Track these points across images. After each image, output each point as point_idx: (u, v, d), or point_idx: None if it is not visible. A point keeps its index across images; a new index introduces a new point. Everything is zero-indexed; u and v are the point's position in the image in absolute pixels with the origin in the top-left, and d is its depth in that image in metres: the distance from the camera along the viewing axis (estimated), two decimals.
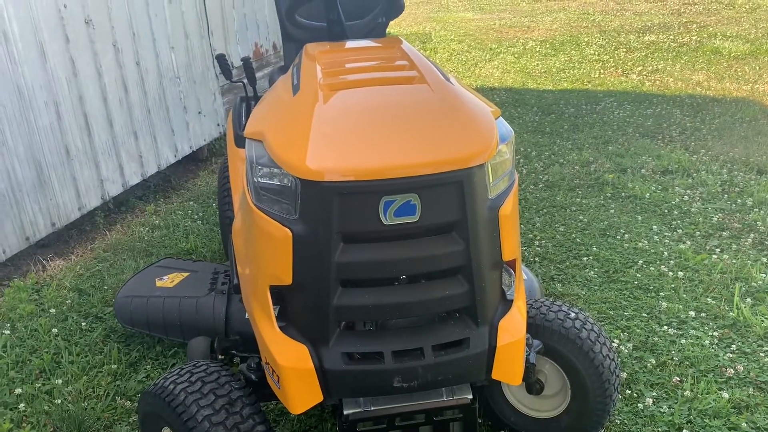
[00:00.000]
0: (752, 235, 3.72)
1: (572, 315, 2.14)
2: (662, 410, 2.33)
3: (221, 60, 3.27)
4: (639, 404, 2.36)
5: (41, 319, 2.93)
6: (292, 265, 1.59)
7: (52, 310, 3.02)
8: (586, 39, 9.89)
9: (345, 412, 1.70)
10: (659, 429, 2.25)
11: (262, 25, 6.29)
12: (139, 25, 4.30)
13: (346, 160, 1.51)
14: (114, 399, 2.46)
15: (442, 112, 1.66)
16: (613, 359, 2.09)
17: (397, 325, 1.70)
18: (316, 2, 2.50)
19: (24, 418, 2.37)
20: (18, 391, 2.48)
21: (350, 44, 2.27)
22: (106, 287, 3.24)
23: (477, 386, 1.78)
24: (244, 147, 3.09)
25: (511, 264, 1.75)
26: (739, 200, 4.16)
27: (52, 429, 2.31)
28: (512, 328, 1.74)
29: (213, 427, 1.72)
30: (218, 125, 5.40)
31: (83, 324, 2.92)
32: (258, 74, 6.08)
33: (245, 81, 3.40)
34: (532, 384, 2.07)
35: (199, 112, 5.10)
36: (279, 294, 1.70)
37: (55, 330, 2.85)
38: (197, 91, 5.06)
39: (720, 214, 3.98)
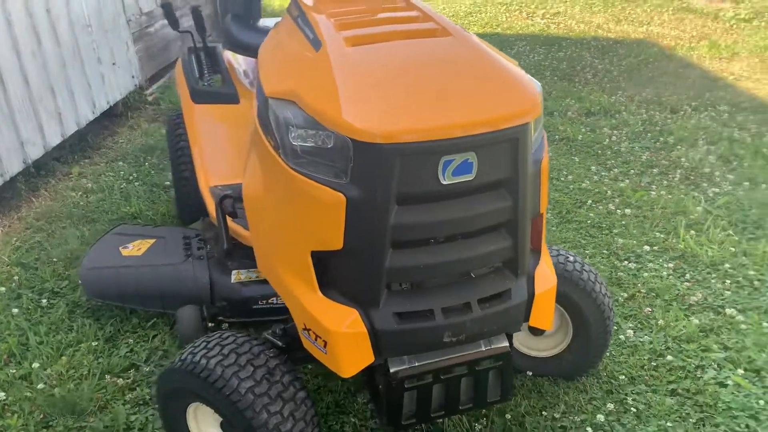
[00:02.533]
0: (679, 171, 4.01)
1: (571, 259, 2.24)
2: (642, 340, 2.52)
3: (167, 8, 3.04)
4: (621, 336, 2.54)
5: None
6: (344, 229, 1.55)
7: (2, 288, 2.77)
8: None
9: (392, 370, 1.71)
10: (644, 357, 2.44)
11: None
12: None
13: (403, 120, 1.47)
14: (102, 377, 2.32)
15: (482, 66, 1.64)
16: (609, 297, 2.22)
17: (441, 282, 1.71)
18: None
19: (6, 407, 2.18)
20: None
21: None
22: (55, 259, 3.00)
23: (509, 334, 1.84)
24: (203, 102, 2.94)
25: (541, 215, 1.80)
26: (661, 138, 4.46)
27: (42, 416, 2.15)
28: (545, 277, 1.80)
29: (258, 399, 1.68)
30: (133, 77, 5.03)
31: (43, 301, 2.70)
32: (164, 21, 5.70)
33: (193, 31, 3.19)
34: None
35: (113, 63, 4.72)
36: (320, 259, 1.65)
37: (15, 310, 2.61)
38: (110, 41, 4.67)
39: (647, 152, 4.26)
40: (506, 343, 1.80)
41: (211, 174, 2.85)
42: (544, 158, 1.70)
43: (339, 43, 1.69)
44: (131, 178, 3.89)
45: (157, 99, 5.23)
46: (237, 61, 3.20)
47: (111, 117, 4.95)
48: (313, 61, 1.68)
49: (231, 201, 2.34)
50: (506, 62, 1.70)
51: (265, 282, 2.50)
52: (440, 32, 1.79)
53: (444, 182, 1.50)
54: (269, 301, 2.48)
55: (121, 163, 4.14)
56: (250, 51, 2.91)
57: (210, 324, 2.47)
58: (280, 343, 1.91)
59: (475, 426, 2.10)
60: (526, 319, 1.78)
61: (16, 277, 2.86)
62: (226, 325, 2.53)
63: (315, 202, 1.56)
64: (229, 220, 2.36)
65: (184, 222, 3.17)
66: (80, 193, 3.72)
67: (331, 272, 1.66)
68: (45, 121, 3.85)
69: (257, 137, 1.83)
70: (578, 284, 2.16)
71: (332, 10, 1.94)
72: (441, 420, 2.10)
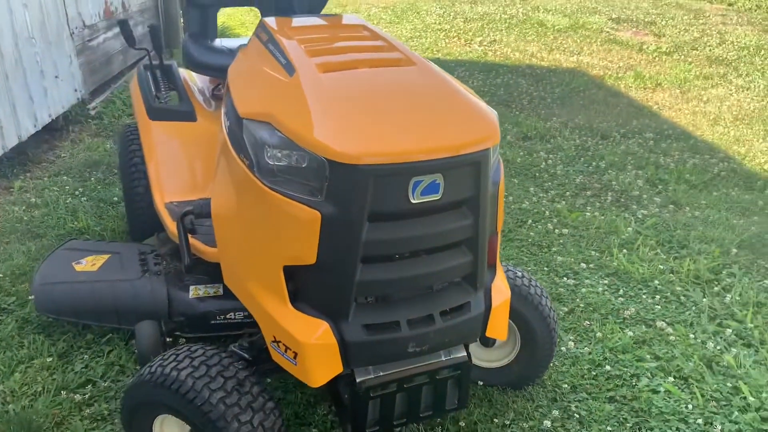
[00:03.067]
0: (610, 193, 4.28)
1: (519, 274, 2.39)
2: (582, 351, 2.70)
3: (124, 25, 3.06)
4: (563, 347, 2.70)
5: None
6: (317, 245, 1.63)
7: None
8: (425, 7, 10.29)
9: (359, 380, 1.79)
10: (584, 367, 2.61)
11: None
12: None
13: (378, 143, 1.58)
14: (58, 393, 2.30)
15: (446, 95, 1.77)
16: (554, 311, 2.38)
17: (404, 295, 1.81)
18: None
19: None
20: None
21: (313, 21, 2.27)
22: (1, 275, 2.94)
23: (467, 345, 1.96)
24: (159, 120, 2.97)
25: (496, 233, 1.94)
26: (593, 163, 4.74)
27: None
28: (500, 290, 1.93)
29: (228, 409, 1.73)
30: (75, 90, 4.95)
31: None
32: (108, 33, 5.65)
33: (149, 48, 3.22)
34: (487, 338, 2.30)
35: (56, 77, 4.64)
36: (291, 273, 1.73)
37: None
38: (53, 53, 4.59)
39: (581, 176, 4.52)
40: (464, 353, 1.92)
41: (167, 190, 2.87)
42: (501, 180, 1.84)
43: (312, 70, 1.79)
44: (77, 193, 3.84)
45: (99, 113, 5.16)
46: (192, 79, 3.24)
47: (51, 131, 4.85)
48: (287, 85, 1.77)
49: (191, 217, 2.38)
50: (467, 92, 1.84)
51: (221, 297, 2.57)
52: (405, 62, 1.91)
53: (413, 201, 1.61)
54: (227, 316, 2.52)
55: (65, 177, 4.07)
56: (207, 70, 2.98)
57: (168, 339, 2.48)
58: (246, 356, 1.96)
59: None
60: (484, 329, 1.90)
61: None
62: (183, 340, 2.55)
63: (290, 218, 1.64)
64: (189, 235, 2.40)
65: (136, 238, 3.16)
66: (23, 207, 3.65)
67: (302, 286, 1.74)
68: None
69: (228, 156, 1.90)
70: (526, 298, 2.31)
71: (301, 36, 2.03)
72: (401, 428, 2.19)
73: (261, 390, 1.83)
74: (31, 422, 2.15)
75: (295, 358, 1.74)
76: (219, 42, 3.13)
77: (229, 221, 1.92)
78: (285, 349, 1.77)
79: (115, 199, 3.74)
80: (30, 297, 2.76)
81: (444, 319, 1.79)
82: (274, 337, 1.79)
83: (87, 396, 2.30)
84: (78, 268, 2.69)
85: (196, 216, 2.35)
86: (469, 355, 1.93)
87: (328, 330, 1.70)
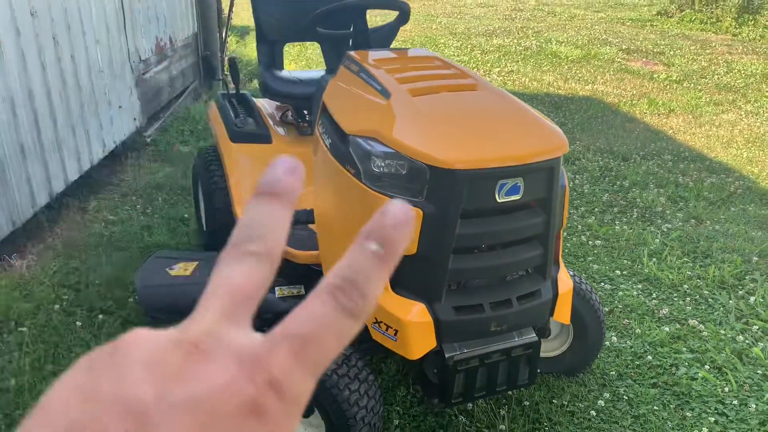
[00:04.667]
0: (635, 209, 4.60)
1: (571, 273, 2.70)
2: (624, 345, 3.00)
3: (208, 59, 3.44)
4: (606, 342, 3.00)
5: (46, 316, 2.94)
6: (418, 238, 1.97)
7: (56, 306, 3.03)
8: (442, 41, 10.76)
9: (447, 355, 2.11)
10: (627, 358, 2.91)
11: (160, 19, 6.23)
12: (71, 17, 4.22)
13: (470, 152, 1.92)
14: None
15: (520, 113, 2.13)
16: (600, 305, 2.70)
17: (487, 283, 2.14)
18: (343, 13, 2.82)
19: None
20: None
21: (389, 54, 2.63)
22: (97, 281, 3.27)
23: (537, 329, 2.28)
24: (239, 142, 3.33)
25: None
26: (617, 182, 5.08)
27: None
28: (564, 281, 2.26)
29: (341, 379, 2.05)
30: (134, 119, 5.35)
31: (99, 317, 2.98)
32: (158, 67, 6.07)
33: (229, 79, 3.59)
34: (544, 329, 2.61)
35: (120, 107, 5.03)
36: None
37: (79, 323, 2.88)
38: (117, 85, 4.99)
39: (607, 194, 4.85)
40: (534, 335, 2.24)
41: None
42: (566, 185, 2.18)
43: (404, 94, 2.14)
44: (148, 211, 4.19)
45: (154, 141, 5.54)
46: (264, 106, 3.61)
47: (111, 157, 5.22)
48: (386, 107, 2.12)
49: None
50: (534, 111, 2.19)
51: (303, 297, 2.88)
52: (479, 86, 2.27)
53: (499, 200, 1.95)
54: None
55: (133, 198, 4.43)
56: (284, 98, 3.35)
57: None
58: None
59: (499, 411, 2.51)
60: (552, 314, 2.22)
61: (65, 297, 3.12)
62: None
63: None
64: None
65: (212, 249, 3.48)
66: (102, 224, 4.00)
67: (401, 274, 2.06)
68: (66, 157, 4.13)
69: (332, 168, 2.24)
70: (578, 293, 2.62)
71: (388, 66, 2.39)
72: (478, 402, 2.49)
73: (364, 364, 2.15)
74: None
75: (395, 335, 2.06)
76: (288, 73, 3.51)
77: (334, 222, 2.26)
78: (386, 328, 2.09)
79: (186, 216, 4.09)
80: (129, 300, 3.09)
81: (520, 303, 2.11)
82: (376, 319, 2.11)
83: None
84: (173, 273, 3.02)
85: None
86: (538, 336, 2.24)
87: (425, 310, 2.03)
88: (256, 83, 7.31)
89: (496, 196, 1.95)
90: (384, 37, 2.94)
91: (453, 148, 1.93)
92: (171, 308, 2.88)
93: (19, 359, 2.65)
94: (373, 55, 2.56)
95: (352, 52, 2.59)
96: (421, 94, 2.16)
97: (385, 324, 2.09)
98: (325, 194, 2.33)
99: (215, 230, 3.42)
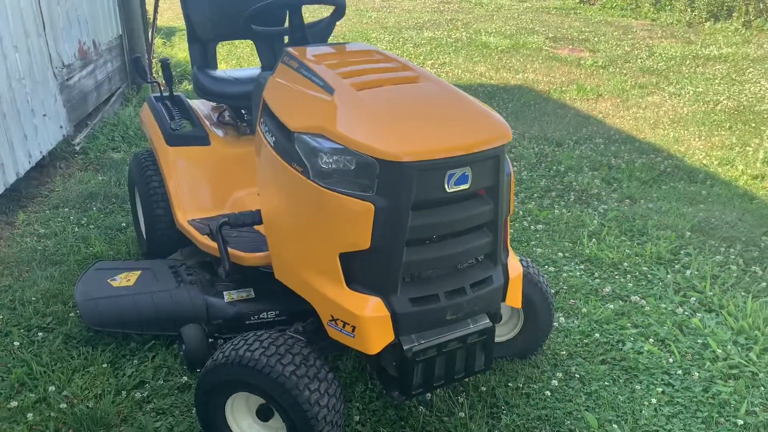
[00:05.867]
0: (572, 193, 4.73)
1: (518, 258, 2.76)
2: (572, 324, 3.08)
3: (138, 62, 3.33)
4: (555, 323, 3.07)
5: None
6: (371, 232, 1.96)
7: None
8: (374, 35, 10.77)
9: (406, 347, 2.11)
10: (576, 337, 2.99)
11: (82, 22, 5.99)
12: None
13: (418, 144, 1.92)
14: (118, 393, 2.53)
15: (463, 103, 2.14)
16: (548, 287, 2.76)
17: (440, 272, 2.15)
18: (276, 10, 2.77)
19: (33, 427, 2.34)
20: (13, 404, 2.42)
21: (328, 49, 2.60)
22: (33, 298, 3.12)
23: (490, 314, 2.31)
24: (176, 145, 3.24)
25: None
26: (553, 167, 5.20)
27: (72, 431, 2.33)
28: (514, 266, 2.29)
29: (300, 379, 2.02)
30: (61, 127, 5.13)
31: (39, 334, 2.84)
32: (83, 72, 5.85)
33: (160, 82, 3.49)
34: (496, 314, 2.65)
35: (44, 115, 4.82)
36: (346, 259, 2.04)
37: (16, 343, 2.75)
38: (40, 93, 4.78)
39: (544, 180, 4.96)
40: (488, 321, 2.26)
41: (189, 209, 3.14)
42: (510, 172, 2.21)
43: (348, 89, 2.13)
44: (83, 222, 4.03)
45: (84, 148, 5.33)
46: (199, 107, 3.52)
47: (38, 167, 5.00)
48: (330, 102, 2.10)
49: (227, 228, 2.68)
50: (476, 100, 2.22)
51: (253, 300, 2.85)
52: (421, 78, 2.27)
53: (449, 190, 1.96)
54: (260, 316, 2.80)
55: (65, 209, 4.25)
56: (219, 98, 3.28)
57: (210, 340, 2.74)
58: (302, 339, 2.25)
59: (458, 399, 2.53)
60: (504, 299, 2.26)
61: (0, 317, 2.97)
62: (222, 341, 2.81)
63: (346, 211, 1.96)
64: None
65: (154, 256, 3.38)
66: (34, 238, 3.82)
67: (356, 269, 2.05)
68: None
69: (277, 166, 2.21)
70: (526, 277, 2.67)
71: (328, 62, 2.37)
72: (436, 391, 2.50)
73: (322, 363, 2.13)
74: (99, 419, 2.37)
75: (353, 331, 2.05)
76: (222, 72, 3.43)
77: (284, 222, 2.22)
78: (343, 325, 2.07)
79: (124, 224, 3.95)
80: (70, 315, 2.97)
81: (473, 291, 2.13)
82: (332, 316, 2.09)
83: (146, 394, 2.53)
84: (114, 284, 2.92)
85: (231, 227, 2.65)
86: (491, 322, 2.27)
87: (381, 304, 2.02)
88: (186, 85, 7.15)
89: (446, 186, 1.96)
90: (321, 32, 2.90)
91: (401, 140, 1.92)
92: (115, 321, 2.79)
93: None
94: (312, 50, 2.53)
95: (290, 49, 2.55)
96: (364, 88, 2.15)
97: (341, 321, 2.07)
98: (272, 194, 2.29)
99: (156, 238, 3.32)
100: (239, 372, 2.06)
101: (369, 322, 2.01)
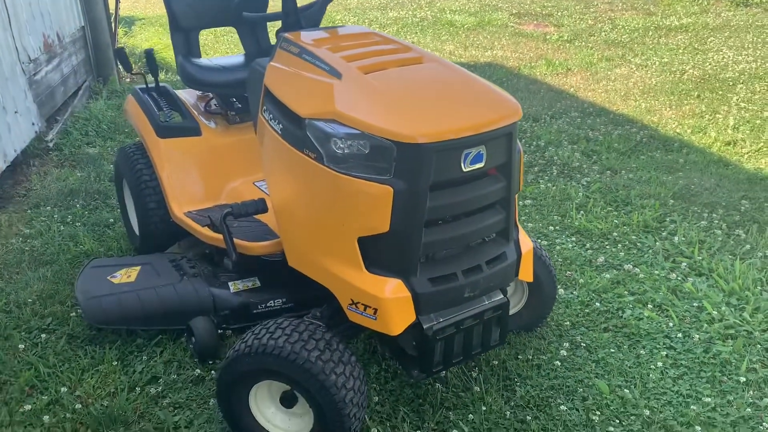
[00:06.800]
0: (555, 167, 4.80)
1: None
2: (571, 295, 3.15)
3: (121, 53, 3.26)
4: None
5: None
6: (390, 215, 1.97)
7: None
8: (338, 17, 10.67)
9: (426, 326, 2.14)
10: (577, 307, 3.06)
11: (45, 14, 5.80)
12: None
13: (434, 124, 1.94)
14: (132, 390, 2.50)
15: (471, 82, 2.16)
16: (550, 260, 2.81)
17: (456, 251, 2.17)
18: None
19: (49, 429, 2.31)
20: (27, 407, 2.38)
21: (323, 33, 2.57)
22: (29, 300, 3.06)
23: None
24: (167, 137, 3.19)
25: None
26: (534, 142, 5.27)
27: (90, 431, 2.30)
28: (524, 242, 2.33)
29: (326, 364, 2.03)
30: (33, 124, 4.99)
31: (42, 336, 2.79)
32: (48, 66, 5.68)
33: (145, 72, 3.42)
34: (505, 290, 2.69)
35: (15, 112, 4.68)
36: (364, 242, 2.05)
37: (22, 346, 2.69)
38: (10, 89, 4.63)
39: (526, 155, 5.03)
40: (503, 296, 2.31)
41: (184, 201, 3.10)
42: (520, 149, 2.24)
43: (356, 72, 2.12)
44: (68, 220, 3.94)
45: (57, 145, 5.20)
46: (186, 97, 3.46)
47: (11, 167, 4.86)
48: (341, 86, 2.09)
49: (230, 218, 2.66)
50: (484, 80, 2.23)
51: (259, 289, 2.84)
52: (425, 59, 2.28)
53: (465, 169, 1.98)
54: (267, 305, 2.80)
55: (47, 208, 4.15)
56: (207, 87, 3.23)
57: (219, 331, 2.73)
58: (321, 324, 2.26)
59: (471, 374, 2.58)
60: (516, 274, 2.30)
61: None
62: (230, 332, 2.80)
63: (364, 195, 1.97)
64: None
65: (147, 251, 3.33)
66: (19, 239, 3.73)
67: (374, 252, 2.06)
68: None
69: (286, 153, 2.20)
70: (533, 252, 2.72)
71: (330, 45, 2.35)
72: (452, 369, 2.54)
73: (344, 347, 2.14)
74: (116, 417, 2.35)
75: (375, 313, 2.07)
76: (208, 61, 3.37)
77: (297, 210, 2.21)
78: (364, 308, 2.08)
79: (111, 220, 3.88)
80: (71, 314, 2.92)
81: (489, 268, 2.17)
82: (352, 300, 2.11)
83: (160, 389, 2.51)
84: (115, 281, 2.88)
85: (235, 217, 2.63)
86: (505, 297, 2.32)
87: (402, 285, 2.04)
88: (166, 75, 6.99)
89: (462, 165, 1.98)
90: (313, 16, 2.87)
91: (417, 122, 1.93)
92: (119, 318, 2.75)
93: None
94: (310, 35, 2.50)
95: (286, 34, 2.52)
96: (371, 71, 2.14)
97: (362, 304, 2.08)
98: (282, 182, 2.28)
99: (150, 231, 3.27)
100: (264, 360, 2.06)
101: (391, 303, 2.03)
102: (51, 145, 5.18)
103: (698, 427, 2.33)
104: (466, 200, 2.04)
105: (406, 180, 1.93)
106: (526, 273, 2.33)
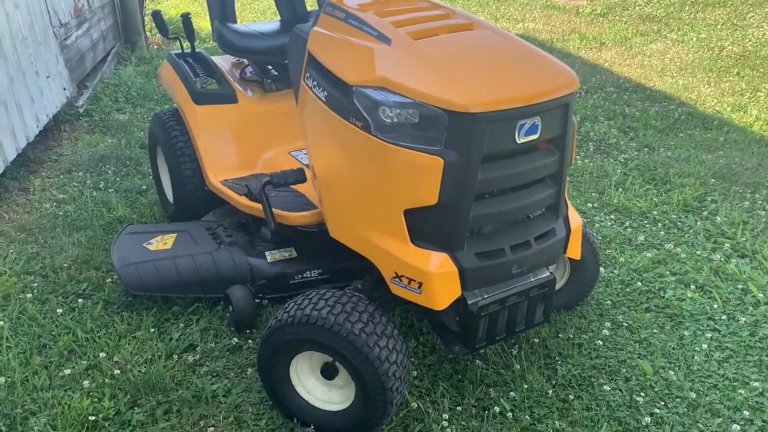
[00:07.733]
0: (591, 143, 4.70)
1: None
2: (611, 274, 3.09)
3: (158, 16, 3.21)
4: None
5: (18, 307, 2.73)
6: (439, 187, 1.91)
7: (29, 295, 2.81)
8: None
9: (471, 302, 2.09)
10: (617, 287, 2.99)
11: None
12: None
13: (489, 93, 1.86)
14: (169, 357, 2.50)
15: (526, 50, 2.08)
16: (593, 236, 2.74)
17: (505, 226, 2.11)
18: None
19: (90, 393, 2.31)
20: (66, 371, 2.38)
21: None
22: (65, 265, 3.06)
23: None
24: (204, 104, 3.14)
25: None
26: None
27: (128, 396, 2.31)
28: (574, 218, 2.27)
29: (369, 337, 2.00)
30: (64, 89, 4.97)
31: (79, 301, 2.79)
32: (79, 31, 5.65)
33: (181, 37, 3.37)
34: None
35: (48, 77, 4.66)
36: (410, 215, 1.99)
37: (60, 310, 2.69)
38: (43, 54, 4.61)
39: None
40: (549, 274, 2.25)
41: (221, 169, 3.07)
42: (575, 122, 2.16)
43: (405, 38, 2.05)
44: (100, 186, 3.94)
45: (87, 111, 5.18)
46: (222, 63, 3.41)
47: (43, 132, 4.85)
48: (391, 53, 2.02)
49: (270, 187, 2.62)
50: (539, 49, 2.15)
51: (296, 259, 2.81)
52: (475, 25, 2.20)
53: (519, 141, 1.91)
54: (303, 275, 2.77)
55: (79, 173, 4.14)
56: (246, 53, 3.17)
57: (256, 300, 2.71)
58: (364, 296, 2.22)
59: (511, 351, 2.53)
60: (565, 251, 2.24)
61: (34, 285, 2.91)
62: (266, 301, 2.78)
63: (413, 166, 1.91)
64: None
65: (181, 218, 3.30)
66: (53, 204, 3.73)
67: (421, 225, 2.01)
68: (2, 136, 3.80)
69: (332, 122, 2.13)
70: None
71: (377, 10, 2.27)
72: (492, 346, 2.50)
73: (387, 320, 2.10)
74: (155, 384, 2.34)
75: (419, 287, 2.02)
76: (245, 26, 3.31)
77: (341, 180, 2.16)
78: (408, 281, 2.04)
79: (144, 187, 3.87)
80: (107, 280, 2.92)
81: (537, 244, 2.11)
82: (396, 273, 2.06)
83: (197, 357, 2.50)
84: (151, 248, 2.87)
85: (274, 186, 2.59)
86: (552, 274, 2.26)
87: (448, 260, 1.99)
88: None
89: (516, 137, 1.91)
90: None
91: (470, 91, 1.86)
92: (156, 285, 2.74)
93: (3, 355, 2.46)
94: (355, 0, 2.42)
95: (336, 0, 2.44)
96: (421, 37, 2.07)
97: (407, 278, 2.04)
98: (326, 151, 2.22)
99: (185, 199, 3.25)
100: (307, 331, 2.03)
101: (437, 278, 1.98)
102: (81, 111, 5.16)
103: (746, 412, 2.27)
104: (518, 173, 1.98)
105: (458, 151, 1.87)
106: (574, 250, 2.27)
